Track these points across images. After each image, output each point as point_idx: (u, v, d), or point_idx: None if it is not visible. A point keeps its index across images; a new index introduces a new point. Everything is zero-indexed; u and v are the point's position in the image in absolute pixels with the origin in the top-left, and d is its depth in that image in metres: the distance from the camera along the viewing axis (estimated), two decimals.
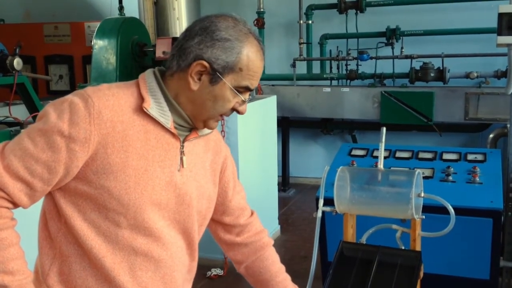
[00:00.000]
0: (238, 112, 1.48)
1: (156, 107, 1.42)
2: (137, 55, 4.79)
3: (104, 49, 4.63)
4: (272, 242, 1.78)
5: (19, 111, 3.38)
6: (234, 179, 1.69)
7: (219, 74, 1.41)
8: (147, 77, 1.46)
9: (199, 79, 1.42)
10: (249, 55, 1.42)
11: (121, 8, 5.42)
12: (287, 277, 1.77)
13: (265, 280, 1.74)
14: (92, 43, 4.74)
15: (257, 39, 1.45)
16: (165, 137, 1.44)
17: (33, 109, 3.37)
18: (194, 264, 1.61)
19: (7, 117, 3.27)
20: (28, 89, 3.31)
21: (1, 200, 1.32)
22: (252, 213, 1.75)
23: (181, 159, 1.47)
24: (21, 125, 3.11)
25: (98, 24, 4.79)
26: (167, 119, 1.43)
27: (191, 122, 1.47)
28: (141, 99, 1.42)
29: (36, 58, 6.98)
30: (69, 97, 1.37)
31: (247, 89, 1.45)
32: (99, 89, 1.39)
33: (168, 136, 1.44)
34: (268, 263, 1.74)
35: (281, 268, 1.77)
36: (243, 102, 1.47)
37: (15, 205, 1.35)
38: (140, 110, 1.40)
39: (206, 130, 1.55)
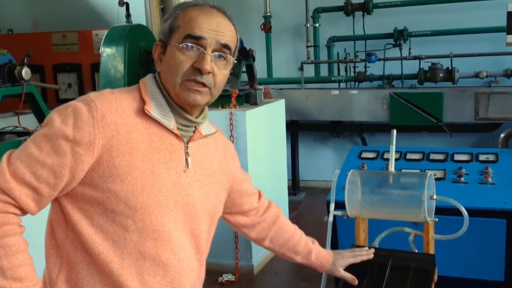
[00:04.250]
0: (200, 70, 1.41)
1: (158, 109, 1.44)
2: (145, 62, 4.79)
3: (112, 57, 4.64)
4: (280, 208, 1.96)
5: (28, 121, 3.39)
6: (241, 172, 1.78)
7: (165, 42, 1.46)
8: (148, 82, 1.49)
9: (161, 60, 1.48)
10: (186, 12, 1.45)
11: (128, 15, 5.42)
12: (302, 232, 1.97)
13: (287, 240, 1.91)
14: (100, 51, 4.75)
15: (206, 4, 1.47)
16: (169, 138, 1.45)
17: (42, 118, 3.38)
18: (203, 269, 1.61)
19: (16, 126, 3.28)
20: (37, 98, 3.32)
21: (9, 206, 1.32)
22: (260, 192, 1.89)
23: (186, 160, 1.48)
24: (30, 134, 3.12)
25: (105, 32, 4.81)
26: (170, 120, 1.45)
27: (194, 121, 1.49)
28: (143, 102, 1.44)
29: (45, 67, 7.02)
30: (73, 102, 1.40)
31: (191, 37, 1.42)
32: (101, 94, 1.42)
33: (172, 138, 1.46)
34: (286, 227, 1.92)
35: (295, 226, 1.96)
36: (201, 58, 1.42)
37: (23, 211, 1.36)
38: (143, 113, 1.42)
39: (209, 130, 1.57)
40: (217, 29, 1.44)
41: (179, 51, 1.42)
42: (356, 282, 1.91)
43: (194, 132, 1.52)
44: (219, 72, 1.46)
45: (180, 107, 1.47)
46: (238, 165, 1.77)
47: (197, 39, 1.42)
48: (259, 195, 1.88)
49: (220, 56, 1.45)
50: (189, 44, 1.42)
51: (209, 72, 1.43)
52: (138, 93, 1.46)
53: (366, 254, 1.97)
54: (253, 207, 1.84)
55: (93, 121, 1.35)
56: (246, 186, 1.80)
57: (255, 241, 1.92)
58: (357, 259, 1.96)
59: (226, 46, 1.46)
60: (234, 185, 1.73)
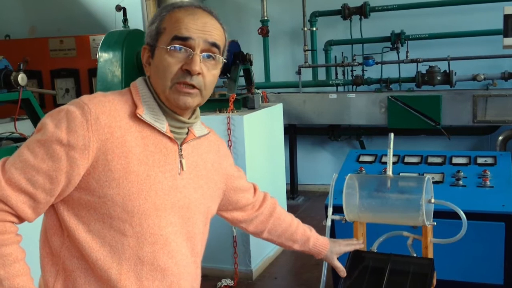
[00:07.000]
0: (190, 71, 1.41)
1: (150, 112, 1.43)
2: (142, 67, 4.79)
3: (109, 62, 4.63)
4: (276, 199, 1.98)
5: (25, 126, 3.38)
6: (235, 169, 1.78)
7: (153, 45, 1.45)
8: (139, 85, 1.49)
9: (149, 64, 1.48)
10: (172, 14, 1.44)
11: (125, 20, 5.42)
12: (299, 221, 2.01)
13: (285, 230, 1.94)
14: (97, 56, 4.75)
15: (191, 5, 1.46)
16: (162, 141, 1.45)
17: None
18: (199, 271, 1.61)
19: (13, 132, 3.27)
20: (33, 104, 3.31)
21: (6, 215, 1.31)
22: (254, 186, 1.90)
23: (181, 162, 1.48)
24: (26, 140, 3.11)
25: (103, 37, 4.80)
26: (162, 123, 1.44)
27: (187, 122, 1.49)
28: (135, 106, 1.43)
29: (42, 72, 7.01)
30: (65, 106, 1.39)
31: (179, 39, 1.42)
32: (94, 97, 1.41)
33: (166, 141, 1.46)
34: (283, 217, 1.95)
35: (291, 215, 2.00)
36: (190, 59, 1.41)
37: (20, 218, 1.34)
38: (135, 116, 1.42)
39: (202, 131, 1.57)
40: (204, 28, 1.43)
41: (167, 53, 1.42)
42: (345, 274, 1.99)
43: (187, 133, 1.52)
44: (208, 73, 1.45)
45: (171, 110, 1.46)
46: (232, 163, 1.78)
47: (184, 40, 1.41)
48: (254, 189, 1.89)
49: (209, 57, 1.44)
50: (177, 46, 1.41)
51: (198, 73, 1.42)
52: (130, 96, 1.46)
53: (358, 244, 2.09)
54: (249, 202, 1.85)
55: (87, 124, 1.34)
56: (240, 183, 1.80)
57: (253, 234, 1.95)
58: (351, 248, 2.07)
59: (214, 45, 1.45)
60: (229, 183, 1.74)
